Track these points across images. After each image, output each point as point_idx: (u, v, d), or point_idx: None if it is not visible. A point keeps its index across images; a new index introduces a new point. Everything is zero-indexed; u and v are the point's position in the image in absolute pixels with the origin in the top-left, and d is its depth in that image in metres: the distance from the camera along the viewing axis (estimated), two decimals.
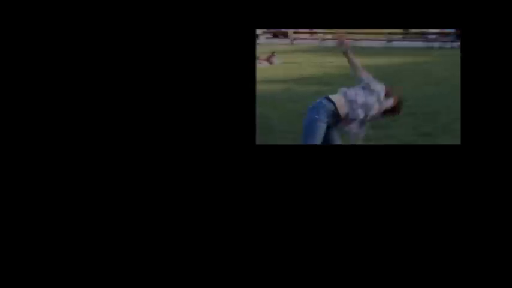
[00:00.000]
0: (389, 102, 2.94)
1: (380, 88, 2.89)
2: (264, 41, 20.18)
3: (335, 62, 11.10)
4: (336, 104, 2.84)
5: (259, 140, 4.62)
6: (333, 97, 2.88)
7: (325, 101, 2.85)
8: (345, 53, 2.89)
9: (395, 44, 19.13)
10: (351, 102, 2.84)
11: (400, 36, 20.38)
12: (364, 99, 2.84)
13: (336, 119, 2.88)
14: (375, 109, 2.90)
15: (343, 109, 2.84)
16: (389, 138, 4.60)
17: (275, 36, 22.46)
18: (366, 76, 2.89)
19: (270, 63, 12.94)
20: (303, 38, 22.33)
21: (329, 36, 17.23)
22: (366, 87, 2.87)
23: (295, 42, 21.53)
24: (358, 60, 2.94)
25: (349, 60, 2.91)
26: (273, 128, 5.29)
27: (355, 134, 3.00)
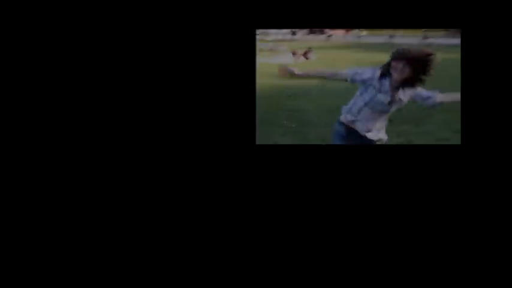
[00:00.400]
0: (400, 74, 2.35)
1: (370, 73, 2.44)
2: (301, 37, 20.36)
3: (368, 58, 11.14)
4: (346, 124, 2.57)
5: (297, 131, 4.86)
6: (342, 117, 2.60)
7: (337, 126, 2.61)
8: (300, 77, 2.68)
9: (430, 40, 18.94)
10: (353, 116, 2.53)
11: (440, 33, 20.15)
12: (362, 102, 2.48)
13: (357, 136, 2.57)
14: (382, 97, 2.44)
15: (353, 126, 2.55)
16: (423, 134, 4.70)
17: (311, 32, 22.53)
18: (344, 73, 2.53)
19: (307, 58, 13.12)
20: (339, 34, 22.33)
21: (365, 33, 17.22)
22: (362, 86, 2.50)
23: (330, 38, 21.56)
24: (321, 69, 2.79)
25: (313, 77, 2.77)
26: (310, 121, 5.50)
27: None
